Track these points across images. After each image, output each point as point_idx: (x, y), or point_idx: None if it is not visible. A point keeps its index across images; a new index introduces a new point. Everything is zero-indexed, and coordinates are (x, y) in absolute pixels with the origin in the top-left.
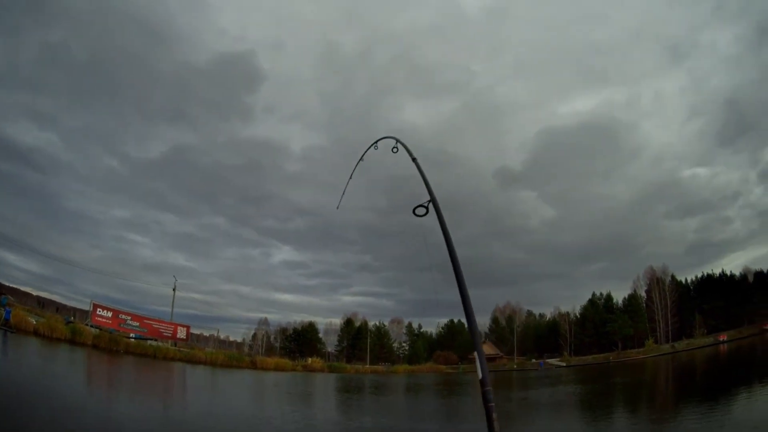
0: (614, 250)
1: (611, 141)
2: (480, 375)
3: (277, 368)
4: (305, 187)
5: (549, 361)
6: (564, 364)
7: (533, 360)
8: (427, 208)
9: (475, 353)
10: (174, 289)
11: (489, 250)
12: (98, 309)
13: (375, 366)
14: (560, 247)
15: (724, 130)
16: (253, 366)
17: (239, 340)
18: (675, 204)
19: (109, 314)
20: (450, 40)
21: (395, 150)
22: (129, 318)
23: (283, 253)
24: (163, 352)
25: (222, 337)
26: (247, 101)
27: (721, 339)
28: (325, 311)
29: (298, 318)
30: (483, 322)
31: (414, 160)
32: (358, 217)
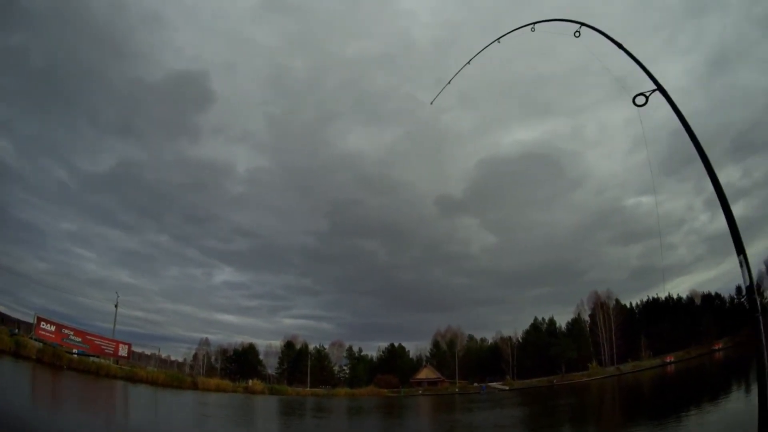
0: (556, 276)
1: (554, 170)
2: None
3: (219, 389)
4: (249, 209)
5: (491, 384)
6: (507, 388)
7: (475, 384)
8: (647, 97)
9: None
10: (116, 306)
11: (430, 275)
12: (42, 322)
13: (315, 389)
14: (502, 272)
15: (669, 160)
16: (195, 387)
17: (180, 359)
18: (618, 231)
19: (53, 328)
20: (397, 69)
21: (577, 34)
22: (72, 333)
23: (225, 274)
24: (105, 369)
25: (164, 356)
26: (196, 121)
27: (668, 360)
28: (265, 333)
29: (239, 339)
30: (423, 346)
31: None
32: (299, 240)
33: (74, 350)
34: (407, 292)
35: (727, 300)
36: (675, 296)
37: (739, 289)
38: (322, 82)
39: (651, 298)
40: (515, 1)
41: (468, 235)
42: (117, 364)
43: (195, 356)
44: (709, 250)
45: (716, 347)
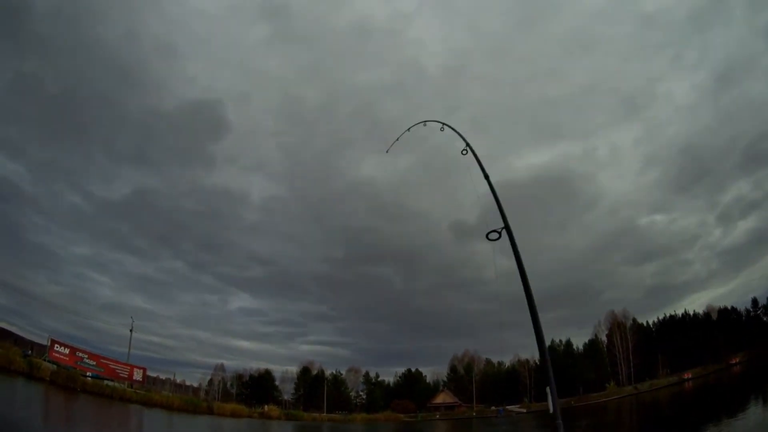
0: (572, 298)
1: (567, 192)
2: (551, 409)
3: (234, 414)
4: (264, 236)
5: (509, 407)
6: (524, 411)
7: (492, 407)
8: (500, 233)
9: (548, 388)
10: (131, 330)
11: (445, 301)
12: (56, 345)
13: (332, 414)
14: (517, 296)
15: (680, 177)
16: (210, 411)
17: (195, 384)
18: (632, 250)
19: (67, 351)
20: (409, 97)
21: (443, 129)
22: (86, 356)
23: (241, 300)
24: (119, 392)
25: (178, 381)
26: (211, 150)
27: (686, 377)
28: (281, 359)
29: (255, 365)
30: (441, 371)
31: (487, 178)
32: (314, 268)
33: (88, 373)
34: (423, 317)
35: (743, 313)
36: (692, 312)
37: (755, 301)
38: (334, 111)
39: (668, 315)
40: (519, 26)
41: (482, 260)
42: (132, 388)
43: (210, 381)
44: (723, 264)
45: (733, 362)
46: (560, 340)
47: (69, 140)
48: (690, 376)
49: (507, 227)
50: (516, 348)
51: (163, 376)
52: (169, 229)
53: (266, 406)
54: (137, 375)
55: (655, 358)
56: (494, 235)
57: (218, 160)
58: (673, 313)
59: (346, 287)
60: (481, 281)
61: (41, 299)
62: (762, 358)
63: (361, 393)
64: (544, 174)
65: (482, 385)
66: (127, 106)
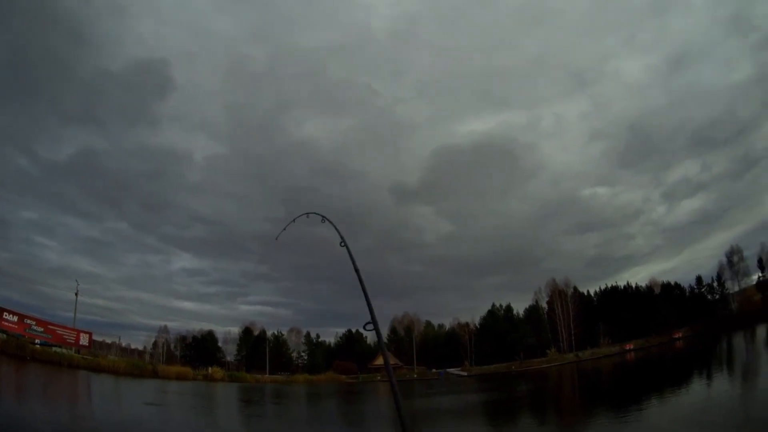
0: (513, 264)
1: (509, 160)
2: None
3: (179, 377)
4: (206, 196)
5: (449, 370)
6: (465, 374)
7: (433, 370)
8: (372, 324)
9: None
10: (77, 294)
11: (386, 262)
12: (4, 312)
13: (274, 375)
14: (457, 260)
15: (626, 153)
16: (155, 375)
17: (140, 347)
18: (574, 221)
19: (15, 318)
20: (355, 60)
21: (323, 221)
22: (34, 323)
23: (183, 261)
24: (67, 359)
25: (124, 344)
26: (156, 109)
27: (628, 348)
28: (223, 320)
29: (198, 326)
30: (381, 331)
31: (357, 271)
32: (256, 227)
33: (37, 340)
34: (364, 278)
35: (687, 290)
36: (634, 285)
37: (699, 279)
38: (281, 72)
39: (609, 286)
40: None
41: (423, 224)
42: (79, 353)
43: (155, 344)
44: (667, 241)
45: (676, 336)
46: (500, 305)
47: (17, 102)
48: (632, 347)
49: (374, 322)
50: (455, 311)
51: (108, 340)
52: (114, 190)
53: (210, 368)
54: (84, 340)
55: (596, 327)
56: (369, 327)
57: (163, 120)
58: (615, 284)
59: (287, 247)
60: (420, 244)
61: None
62: (704, 334)
63: (302, 354)
64: (487, 141)
65: (423, 347)
66: (76, 66)
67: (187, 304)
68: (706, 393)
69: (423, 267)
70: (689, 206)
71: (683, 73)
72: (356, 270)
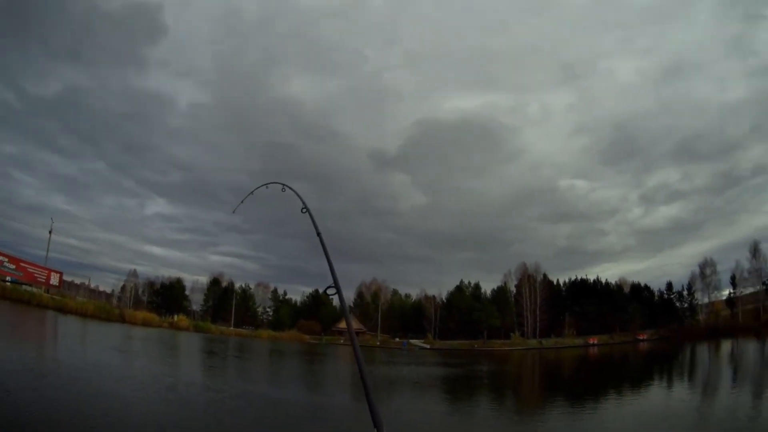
0: (484, 243)
1: (491, 141)
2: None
3: (145, 323)
4: (186, 143)
5: (413, 341)
6: (428, 346)
7: (397, 339)
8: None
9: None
10: (50, 232)
11: (358, 226)
12: None
13: (239, 329)
14: (429, 232)
15: (609, 150)
16: (122, 319)
17: (109, 290)
18: (549, 209)
19: None
20: (348, 23)
21: (283, 189)
22: (6, 260)
23: (158, 206)
24: (37, 298)
25: (93, 286)
26: (145, 52)
27: (592, 342)
28: (192, 268)
29: (167, 273)
30: (348, 295)
31: (319, 235)
32: (232, 178)
33: (8, 278)
34: (334, 240)
35: (657, 294)
36: (603, 280)
37: (669, 285)
38: (273, 27)
39: (579, 278)
40: None
41: (398, 192)
42: (48, 293)
43: (123, 288)
44: (640, 243)
45: (641, 337)
46: (469, 282)
47: (6, 35)
48: (595, 341)
49: (337, 286)
50: (423, 283)
51: (78, 281)
52: (96, 129)
53: (176, 316)
54: (54, 279)
55: (562, 317)
56: (331, 290)
57: (152, 64)
58: (585, 277)
59: (261, 201)
60: (394, 212)
61: None
62: (669, 339)
63: (268, 309)
64: (471, 119)
65: (388, 315)
66: (68, 3)
67: (158, 250)
68: (665, 400)
69: (394, 235)
70: (666, 212)
71: (676, 82)
72: (318, 234)
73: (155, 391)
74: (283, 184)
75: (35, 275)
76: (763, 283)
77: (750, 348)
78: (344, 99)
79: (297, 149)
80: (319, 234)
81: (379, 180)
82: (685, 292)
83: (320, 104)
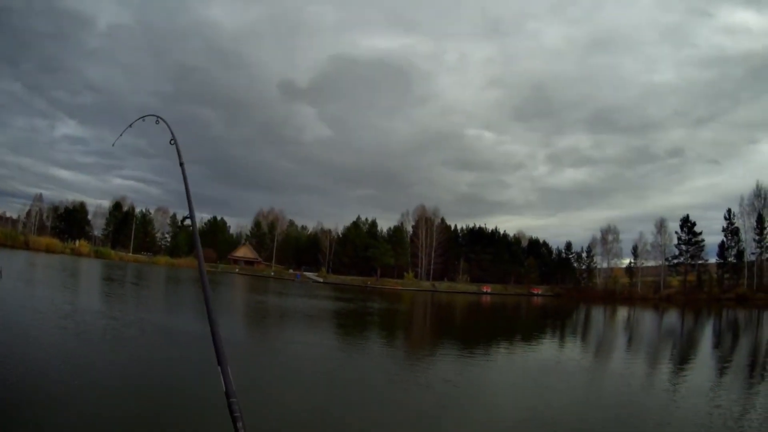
0: (384, 182)
1: (404, 82)
2: (224, 387)
3: (48, 249)
4: (101, 64)
5: (306, 273)
6: (321, 280)
7: (291, 270)
8: (186, 220)
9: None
10: None
11: (260, 154)
12: None
13: (138, 255)
14: (331, 165)
15: (523, 107)
16: (27, 246)
17: (15, 216)
18: (454, 156)
19: None
20: None
21: (157, 122)
22: None
23: (68, 127)
24: None
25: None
26: None
27: (485, 290)
28: (96, 192)
29: (71, 197)
30: (245, 223)
31: (182, 165)
32: (143, 100)
33: None
34: (236, 167)
35: (555, 252)
36: (502, 231)
37: (569, 245)
38: None
39: (477, 226)
40: None
41: (304, 123)
42: None
43: (29, 213)
44: (541, 200)
45: (535, 291)
46: (366, 218)
47: None
48: (489, 290)
49: (192, 217)
50: (321, 216)
51: None
52: (15, 49)
53: (77, 242)
54: None
55: (457, 262)
56: (188, 222)
57: None
58: (483, 225)
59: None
60: (298, 142)
61: None
62: (563, 297)
63: (167, 235)
64: (387, 60)
65: (284, 246)
66: None
67: (64, 173)
68: (556, 356)
69: (296, 165)
70: (572, 175)
71: (603, 54)
72: (181, 165)
73: (52, 320)
74: (158, 117)
75: None
76: (666, 259)
77: (648, 318)
78: (262, 27)
79: (209, 74)
80: (182, 164)
81: (286, 110)
82: (584, 254)
83: (237, 30)
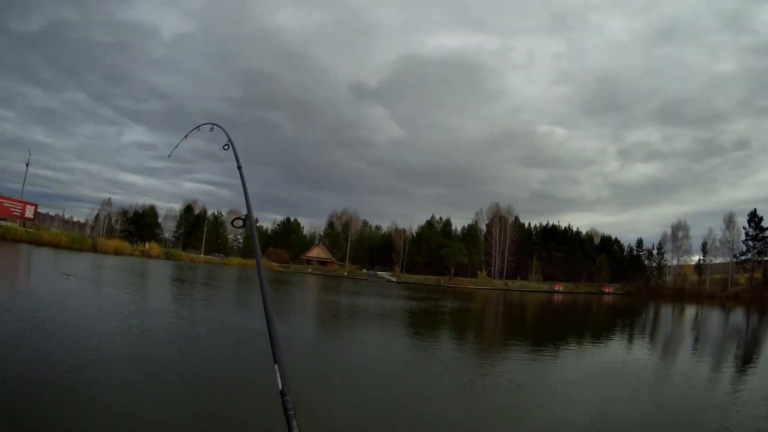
0: (456, 180)
1: (473, 80)
2: (279, 385)
3: (117, 252)
4: (167, 71)
5: (380, 273)
6: (394, 279)
7: (364, 270)
8: (243, 220)
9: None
10: (27, 165)
11: (332, 156)
12: None
13: (209, 256)
14: (404, 165)
15: (592, 102)
16: (94, 249)
17: (83, 220)
18: (525, 153)
19: None
20: None
21: (212, 129)
22: None
23: (135, 134)
24: (11, 233)
25: (67, 217)
26: None
27: (557, 288)
28: (167, 196)
29: (141, 201)
30: (319, 224)
31: (239, 168)
32: (212, 106)
33: None
34: (308, 169)
35: (626, 249)
36: (574, 229)
37: (640, 242)
38: None
39: (550, 224)
40: None
41: (375, 124)
42: (23, 226)
43: (97, 217)
44: (613, 196)
45: (606, 290)
46: (440, 218)
47: None
48: (561, 288)
49: (250, 217)
50: (394, 216)
51: (53, 213)
52: (78, 61)
53: (147, 244)
54: (29, 212)
55: (530, 260)
56: (238, 222)
57: None
58: (557, 223)
59: (240, 129)
60: (370, 144)
61: None
62: (634, 295)
63: (239, 237)
64: (455, 58)
65: (357, 246)
66: None
67: (134, 178)
68: (624, 356)
69: (369, 166)
70: (643, 170)
71: (667, 45)
72: (239, 168)
73: (118, 319)
74: (213, 124)
75: (10, 209)
76: (734, 256)
77: (714, 317)
78: (329, 30)
79: (277, 78)
80: (240, 168)
81: (357, 112)
82: (655, 251)
83: (304, 35)
